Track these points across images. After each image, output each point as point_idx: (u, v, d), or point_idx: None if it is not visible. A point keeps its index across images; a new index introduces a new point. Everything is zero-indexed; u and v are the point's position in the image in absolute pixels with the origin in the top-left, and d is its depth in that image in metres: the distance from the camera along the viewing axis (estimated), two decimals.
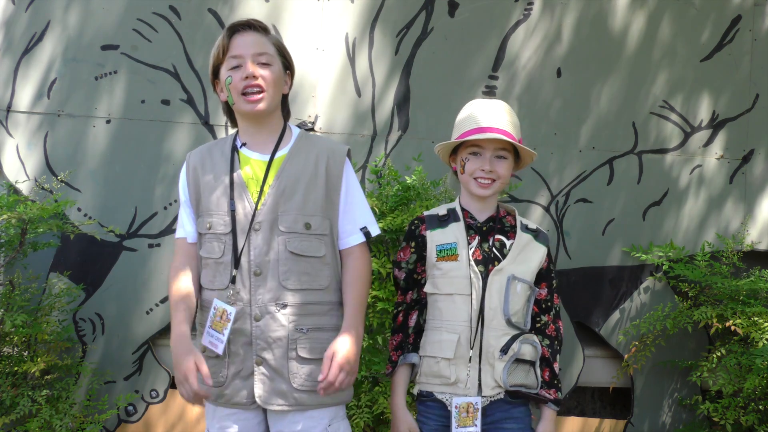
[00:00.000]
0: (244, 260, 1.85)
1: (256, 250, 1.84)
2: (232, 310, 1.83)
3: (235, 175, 1.88)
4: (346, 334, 1.84)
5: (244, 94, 1.85)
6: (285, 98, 1.98)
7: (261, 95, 1.86)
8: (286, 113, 2.00)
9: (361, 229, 1.95)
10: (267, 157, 1.90)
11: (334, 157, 1.93)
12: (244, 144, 1.93)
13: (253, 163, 1.90)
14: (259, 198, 1.86)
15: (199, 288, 1.93)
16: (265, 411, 1.89)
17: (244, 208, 1.86)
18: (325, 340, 1.85)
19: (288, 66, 1.96)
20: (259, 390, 1.83)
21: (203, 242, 1.92)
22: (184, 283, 1.91)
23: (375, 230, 1.98)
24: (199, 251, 1.93)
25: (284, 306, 1.84)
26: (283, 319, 1.83)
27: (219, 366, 1.86)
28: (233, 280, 1.84)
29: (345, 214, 1.94)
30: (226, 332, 1.82)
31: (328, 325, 1.89)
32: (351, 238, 1.94)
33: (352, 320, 1.88)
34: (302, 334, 1.84)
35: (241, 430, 1.87)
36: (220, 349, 1.82)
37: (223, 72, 1.89)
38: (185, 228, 1.97)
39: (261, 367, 1.83)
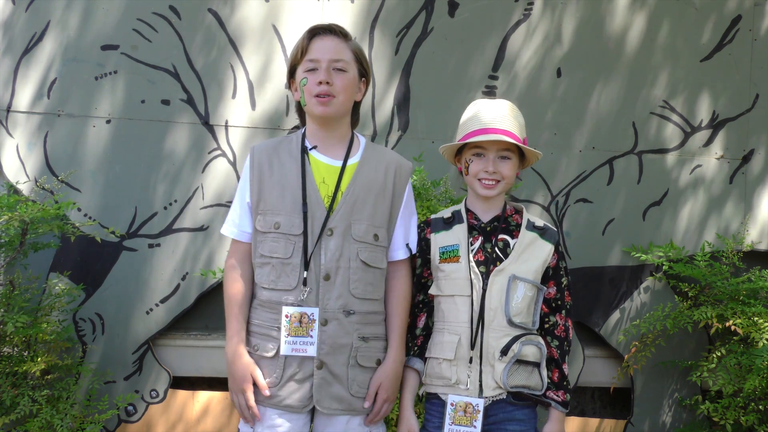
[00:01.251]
0: (313, 263, 1.85)
1: (328, 255, 1.85)
2: (314, 311, 1.83)
3: (307, 176, 1.89)
4: (392, 362, 1.91)
5: (316, 96, 1.88)
6: (357, 105, 2.01)
7: (331, 98, 1.88)
8: (355, 120, 2.02)
9: (406, 245, 2.00)
10: (336, 163, 1.92)
11: (401, 171, 1.99)
12: (314, 147, 1.94)
13: (322, 167, 1.92)
14: (332, 203, 1.87)
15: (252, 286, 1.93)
16: (312, 413, 1.89)
17: (315, 212, 1.86)
18: (377, 349, 1.91)
19: (364, 73, 1.98)
20: (317, 393, 1.84)
21: (263, 240, 1.89)
22: (241, 287, 1.90)
23: (414, 248, 2.02)
24: (258, 249, 1.91)
25: (351, 313, 1.86)
26: (350, 327, 1.86)
27: (274, 367, 1.86)
28: (305, 282, 1.84)
29: (400, 228, 1.98)
30: (314, 333, 1.82)
31: (381, 335, 1.94)
32: (399, 252, 1.98)
33: (398, 344, 1.94)
34: (363, 343, 1.88)
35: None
36: (311, 351, 1.82)
37: (299, 73, 1.91)
38: (243, 228, 1.94)
39: (321, 371, 1.84)
